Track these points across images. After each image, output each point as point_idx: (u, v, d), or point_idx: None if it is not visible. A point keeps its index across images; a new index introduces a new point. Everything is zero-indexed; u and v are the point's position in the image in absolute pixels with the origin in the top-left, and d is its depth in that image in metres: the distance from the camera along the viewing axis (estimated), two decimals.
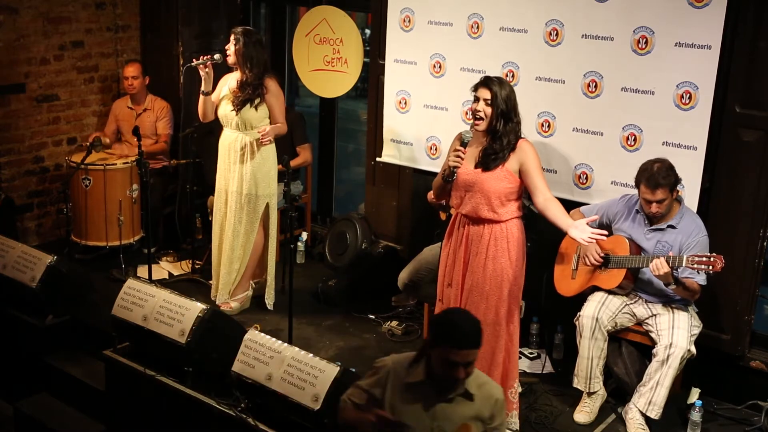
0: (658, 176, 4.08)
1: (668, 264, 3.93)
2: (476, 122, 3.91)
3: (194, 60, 5.19)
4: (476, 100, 3.90)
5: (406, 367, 2.99)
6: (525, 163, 3.88)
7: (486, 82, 3.90)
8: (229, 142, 5.17)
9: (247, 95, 5.05)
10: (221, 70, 5.30)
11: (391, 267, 5.29)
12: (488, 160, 3.89)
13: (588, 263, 4.30)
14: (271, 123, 5.13)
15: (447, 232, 4.12)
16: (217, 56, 5.15)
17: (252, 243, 5.30)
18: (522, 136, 3.95)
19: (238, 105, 5.06)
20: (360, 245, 5.61)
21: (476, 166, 3.91)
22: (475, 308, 3.97)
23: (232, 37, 5.09)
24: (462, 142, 3.90)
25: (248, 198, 5.19)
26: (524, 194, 4.05)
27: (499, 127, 3.87)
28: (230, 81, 5.18)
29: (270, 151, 5.20)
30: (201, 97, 5.21)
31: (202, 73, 5.14)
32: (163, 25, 6.54)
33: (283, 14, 6.72)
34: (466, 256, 4.00)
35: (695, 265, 3.91)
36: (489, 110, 3.86)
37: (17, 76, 6.06)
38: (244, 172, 5.15)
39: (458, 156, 3.87)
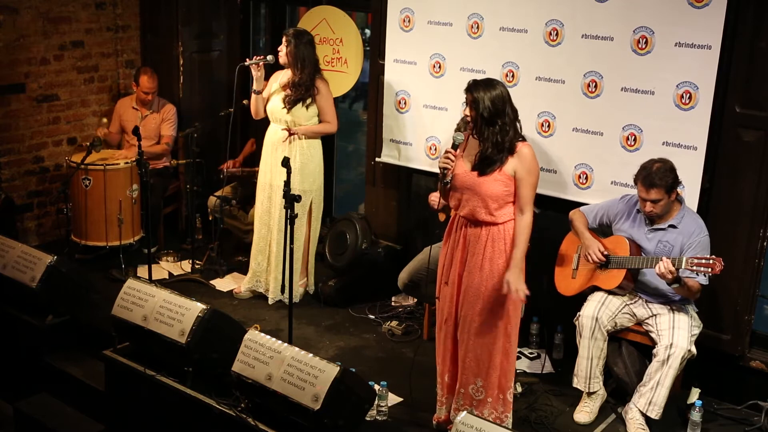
0: (654, 176, 4.08)
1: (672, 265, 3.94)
2: (469, 125, 3.92)
3: (247, 60, 5.36)
4: (465, 104, 3.90)
5: None
6: (518, 172, 3.82)
7: (469, 86, 3.86)
8: (277, 137, 5.30)
9: (299, 95, 5.22)
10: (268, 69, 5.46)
11: (391, 267, 5.30)
12: (483, 164, 3.86)
13: (589, 260, 4.30)
14: (320, 122, 5.33)
15: (446, 232, 4.12)
16: (269, 57, 5.31)
17: (302, 239, 5.42)
18: (522, 138, 3.88)
19: (290, 104, 5.23)
20: (360, 245, 5.61)
21: (473, 169, 3.90)
22: (471, 308, 3.97)
23: (284, 39, 5.25)
24: (453, 144, 3.90)
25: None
26: None
27: (483, 130, 3.82)
28: (281, 78, 5.35)
29: (317, 148, 5.38)
30: (253, 95, 5.40)
31: (254, 73, 5.32)
32: (163, 25, 6.54)
33: (283, 14, 6.72)
34: (463, 257, 3.99)
35: (695, 267, 3.91)
36: (473, 114, 3.83)
37: (17, 76, 6.06)
38: (291, 168, 5.23)
39: (447, 158, 3.87)
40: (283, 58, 5.24)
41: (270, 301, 5.51)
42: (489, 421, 3.52)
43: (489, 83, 3.84)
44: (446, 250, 4.09)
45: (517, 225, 3.86)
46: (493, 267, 3.91)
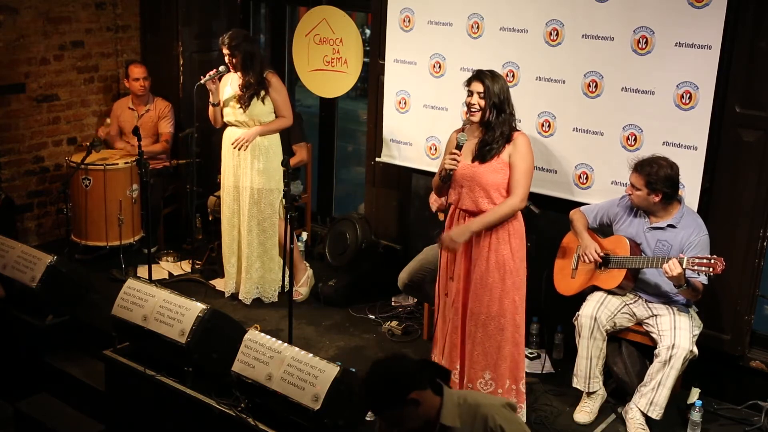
0: (641, 162, 4.15)
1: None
2: (471, 114, 3.98)
3: (201, 78, 5.31)
4: (470, 93, 3.98)
5: None
6: (512, 157, 3.94)
7: (479, 75, 3.98)
8: (236, 138, 5.26)
9: (253, 91, 5.18)
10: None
11: (391, 267, 5.29)
12: (484, 152, 3.96)
13: (586, 260, 4.30)
14: (276, 117, 5.27)
15: (446, 227, 4.14)
16: (222, 68, 5.28)
17: (276, 237, 5.39)
18: (518, 128, 4.01)
19: (246, 102, 5.18)
20: (360, 245, 5.61)
21: (473, 160, 3.98)
22: (479, 300, 4.01)
23: (224, 50, 5.18)
24: (458, 144, 3.96)
25: (263, 193, 5.28)
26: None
27: (492, 118, 3.94)
28: (231, 81, 5.30)
29: (278, 146, 5.33)
30: (211, 107, 5.35)
31: (210, 87, 5.28)
32: (163, 25, 6.54)
33: (283, 14, 6.72)
34: (467, 250, 4.04)
35: (696, 267, 3.90)
36: (483, 103, 3.94)
37: (17, 76, 6.06)
38: (256, 168, 5.24)
39: (454, 159, 3.94)
40: (232, 69, 5.22)
41: (245, 302, 5.45)
42: None
43: (493, 73, 4.00)
44: None
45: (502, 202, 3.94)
46: (498, 258, 3.97)
